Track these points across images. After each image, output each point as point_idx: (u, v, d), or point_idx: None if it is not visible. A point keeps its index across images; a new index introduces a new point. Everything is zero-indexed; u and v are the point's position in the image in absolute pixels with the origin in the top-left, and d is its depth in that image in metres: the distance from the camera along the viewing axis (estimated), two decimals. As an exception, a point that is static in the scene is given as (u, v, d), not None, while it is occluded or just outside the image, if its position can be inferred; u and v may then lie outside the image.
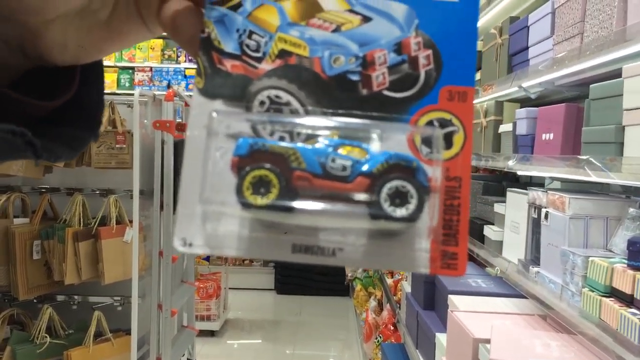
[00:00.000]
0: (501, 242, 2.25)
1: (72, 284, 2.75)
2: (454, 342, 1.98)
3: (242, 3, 0.32)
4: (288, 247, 0.29)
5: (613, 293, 1.42)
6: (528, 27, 1.97)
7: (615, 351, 1.33)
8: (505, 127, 2.24)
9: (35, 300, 2.91)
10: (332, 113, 0.30)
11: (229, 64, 0.31)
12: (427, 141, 0.30)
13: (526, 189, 2.04)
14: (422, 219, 0.29)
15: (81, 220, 2.79)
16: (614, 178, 1.30)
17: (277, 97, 0.30)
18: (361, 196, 0.29)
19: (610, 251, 1.63)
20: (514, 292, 2.16)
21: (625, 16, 1.35)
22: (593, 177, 1.40)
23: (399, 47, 0.30)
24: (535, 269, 1.86)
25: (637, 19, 1.30)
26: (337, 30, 0.31)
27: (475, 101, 2.63)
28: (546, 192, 1.85)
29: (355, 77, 0.30)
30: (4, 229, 2.72)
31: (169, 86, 6.19)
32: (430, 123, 0.30)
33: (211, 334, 5.08)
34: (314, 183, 0.29)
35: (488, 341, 1.69)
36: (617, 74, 1.39)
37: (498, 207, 2.31)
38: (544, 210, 1.82)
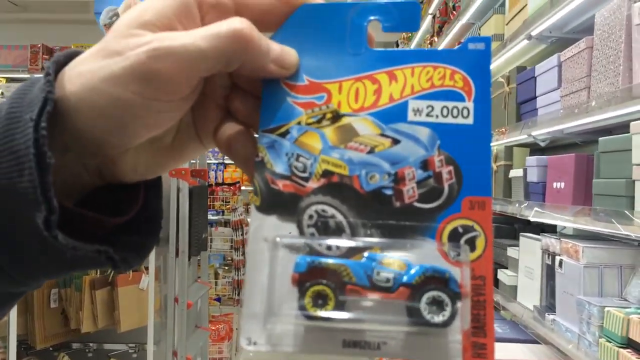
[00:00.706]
0: (515, 287, 2.26)
1: (88, 332, 2.77)
2: (471, 391, 1.97)
3: (289, 130, 0.37)
4: (339, 343, 0.33)
5: (630, 344, 1.43)
6: (535, 78, 2.02)
7: (635, 404, 1.33)
8: (516, 173, 2.28)
9: (51, 349, 2.92)
10: (371, 224, 0.35)
11: (281, 184, 0.36)
12: (455, 248, 0.34)
13: (539, 234, 2.06)
14: (456, 318, 0.33)
15: (98, 267, 2.82)
16: (626, 232, 1.33)
17: (323, 211, 0.35)
18: (403, 303, 0.34)
19: (625, 300, 1.64)
20: (530, 337, 2.16)
21: (631, 74, 1.40)
22: (606, 230, 1.42)
23: (425, 165, 0.35)
24: (551, 316, 1.87)
25: (643, 78, 1.34)
26: (371, 151, 0.36)
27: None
28: (559, 239, 1.87)
29: (389, 192, 0.35)
30: (22, 277, 2.75)
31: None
32: (455, 229, 0.34)
33: (224, 377, 5.03)
34: (363, 294, 0.34)
35: (506, 391, 1.69)
36: (626, 123, 1.43)
37: (511, 252, 2.32)
38: (557, 258, 1.84)
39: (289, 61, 0.37)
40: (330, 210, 0.35)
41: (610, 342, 1.47)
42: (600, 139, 1.56)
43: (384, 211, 0.35)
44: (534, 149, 2.44)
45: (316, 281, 0.34)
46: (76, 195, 0.39)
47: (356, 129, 0.36)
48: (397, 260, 0.34)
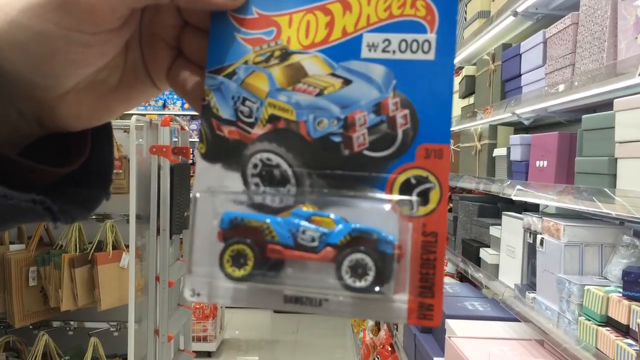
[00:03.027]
0: (497, 266, 2.26)
1: (68, 310, 2.74)
2: (452, 368, 1.98)
3: (236, 71, 0.34)
4: (280, 298, 0.32)
5: (609, 322, 1.43)
6: (520, 55, 2.00)
7: (613, 382, 1.33)
8: (500, 151, 2.26)
9: (31, 327, 2.90)
10: (317, 174, 0.32)
11: (226, 130, 0.34)
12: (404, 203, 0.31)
13: (521, 213, 2.06)
14: (397, 278, 0.30)
15: (77, 245, 2.79)
16: (608, 210, 1.32)
17: (268, 159, 0.33)
18: (328, 266, 0.31)
19: (605, 278, 1.64)
20: (511, 315, 2.17)
21: (616, 50, 1.38)
22: (587, 208, 1.42)
23: (378, 108, 0.32)
24: (532, 294, 1.87)
25: (628, 54, 1.32)
26: (320, 94, 0.33)
27: (470, 124, 2.66)
28: (541, 218, 1.86)
29: (337, 139, 0.32)
30: (0, 255, 2.71)
31: (164, 106, 6.20)
32: (407, 181, 0.31)
33: (208, 355, 5.04)
34: (285, 254, 0.31)
35: (486, 369, 1.70)
36: (610, 102, 1.41)
37: (494, 230, 2.32)
38: (539, 237, 1.84)
39: None
40: (275, 159, 0.33)
41: (590, 320, 1.47)
42: (583, 116, 1.55)
43: (332, 160, 0.32)
44: (518, 127, 2.43)
45: (236, 239, 0.32)
46: (17, 147, 0.36)
47: (305, 69, 0.33)
48: (327, 217, 0.31)
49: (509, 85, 2.16)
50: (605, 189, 1.33)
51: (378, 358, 3.65)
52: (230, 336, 5.64)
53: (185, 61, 0.37)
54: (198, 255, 0.32)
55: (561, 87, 1.61)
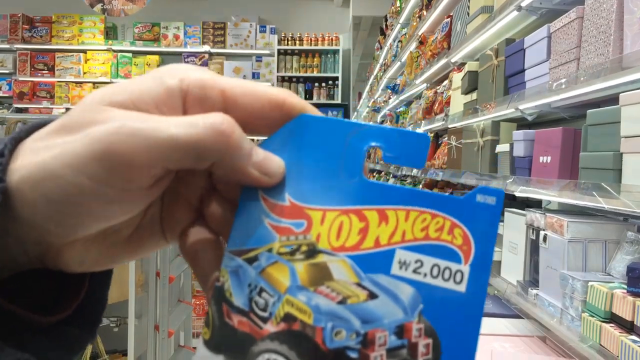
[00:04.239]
0: (499, 262, 2.25)
1: (68, 305, 2.73)
2: (453, 365, 1.98)
3: (258, 257, 0.32)
4: None
5: (613, 319, 1.42)
6: (524, 50, 1.99)
7: (617, 378, 1.32)
8: (502, 147, 2.25)
9: (30, 322, 2.89)
10: None
11: (236, 320, 0.32)
12: None
13: (524, 209, 2.05)
14: None
15: (77, 241, 2.78)
16: (611, 206, 1.31)
17: None
18: None
19: (609, 275, 1.63)
20: (513, 312, 2.16)
21: (622, 44, 1.36)
22: (591, 204, 1.40)
23: (400, 331, 0.30)
24: (534, 291, 1.86)
25: (634, 48, 1.31)
26: (342, 302, 0.31)
27: (472, 120, 2.64)
28: (544, 214, 1.85)
29: (354, 355, 0.30)
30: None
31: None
32: None
33: (208, 351, 5.04)
34: None
35: (488, 365, 1.69)
36: (615, 97, 1.40)
37: (496, 227, 2.31)
38: (542, 233, 1.83)
39: (272, 168, 0.32)
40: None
41: (594, 317, 1.46)
42: (588, 111, 1.53)
43: None
44: (522, 124, 2.42)
45: None
46: (6, 272, 0.34)
47: (331, 272, 0.31)
48: None
49: (512, 80, 2.15)
50: (607, 186, 1.32)
51: (379, 355, 3.64)
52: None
53: (203, 228, 0.35)
54: None
55: (565, 82, 1.60)
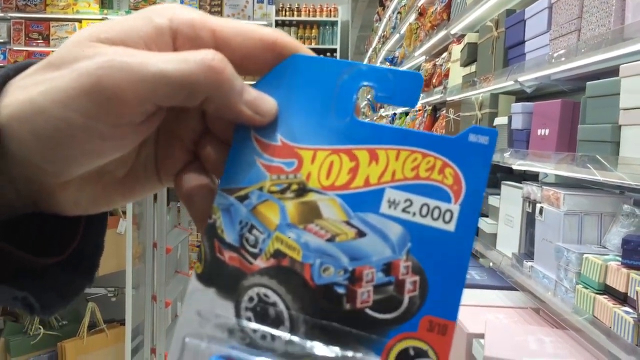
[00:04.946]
0: (495, 235, 2.26)
1: (65, 275, 2.74)
2: (447, 336, 2.00)
3: (249, 195, 0.33)
4: None
5: (607, 290, 1.43)
6: (524, 21, 1.96)
7: (609, 349, 1.34)
8: (500, 120, 2.24)
9: (28, 291, 2.90)
10: (313, 323, 0.31)
11: (227, 255, 0.32)
12: None
13: (520, 182, 2.05)
14: None
15: (74, 211, 2.78)
16: (610, 178, 1.31)
17: (265, 295, 0.31)
18: None
19: (604, 247, 1.64)
20: (507, 284, 2.18)
21: (624, 14, 1.35)
22: (588, 176, 1.40)
23: (388, 268, 0.31)
24: (529, 263, 1.88)
25: (636, 18, 1.29)
26: (331, 239, 0.31)
27: (471, 93, 2.62)
28: (541, 187, 1.85)
29: (341, 290, 0.31)
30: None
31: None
32: (406, 350, 0.30)
33: (205, 321, 5.10)
34: None
35: (482, 336, 1.71)
36: (615, 69, 1.39)
37: (492, 200, 2.31)
38: (538, 206, 1.83)
39: (265, 107, 0.33)
40: (273, 297, 0.31)
41: (587, 289, 1.48)
42: (588, 83, 1.52)
43: (331, 311, 0.30)
44: (520, 97, 2.40)
45: None
46: (1, 215, 0.34)
47: (320, 210, 0.32)
48: None
49: (511, 52, 2.13)
50: (602, 159, 1.32)
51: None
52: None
53: (198, 169, 0.35)
54: None
55: (565, 53, 1.58)
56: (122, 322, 2.85)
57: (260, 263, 0.32)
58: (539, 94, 2.31)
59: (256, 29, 0.33)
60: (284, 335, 0.31)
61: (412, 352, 0.30)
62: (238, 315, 0.31)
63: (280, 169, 0.33)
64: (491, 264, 2.31)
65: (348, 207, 0.32)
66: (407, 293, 0.30)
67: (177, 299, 3.42)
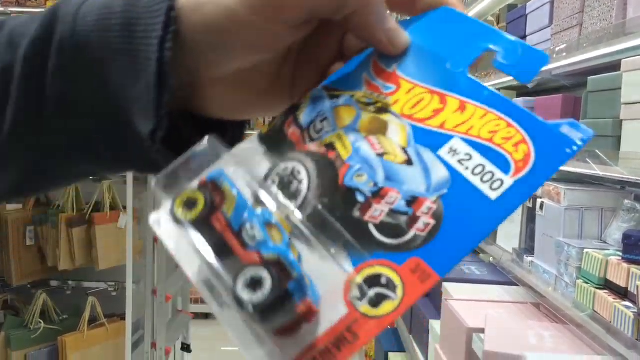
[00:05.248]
0: (495, 230, 2.26)
1: (66, 269, 2.75)
2: (447, 331, 2.00)
3: (339, 97, 0.36)
4: (199, 272, 0.30)
5: (607, 285, 1.43)
6: (526, 16, 1.96)
7: (609, 343, 1.34)
8: (501, 116, 2.24)
9: (29, 286, 2.90)
10: (320, 212, 0.31)
11: (291, 130, 0.35)
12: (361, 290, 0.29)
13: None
14: (284, 325, 0.28)
15: (74, 206, 2.77)
16: (610, 173, 1.31)
17: (298, 172, 0.33)
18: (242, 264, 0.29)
19: (605, 242, 1.64)
20: (508, 279, 2.18)
21: (625, 9, 1.34)
22: (589, 171, 1.40)
23: (413, 201, 0.30)
24: (530, 258, 1.88)
25: (637, 13, 1.29)
26: (380, 155, 0.32)
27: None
28: (541, 182, 1.85)
29: (361, 198, 0.31)
30: (-3, 215, 2.71)
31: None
32: (379, 276, 0.29)
33: (205, 316, 5.10)
34: (222, 231, 0.29)
35: (482, 331, 1.71)
36: (617, 64, 1.38)
37: (493, 195, 2.31)
38: (539, 201, 1.83)
39: (399, 40, 0.36)
40: (303, 176, 0.33)
41: (588, 283, 1.48)
42: (589, 78, 1.52)
43: (341, 211, 0.31)
44: (522, 92, 2.40)
45: (201, 189, 0.30)
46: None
47: (388, 129, 0.33)
48: (280, 234, 0.29)
49: (513, 47, 2.12)
50: (602, 154, 1.32)
51: (374, 321, 3.68)
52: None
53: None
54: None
55: (566, 48, 1.58)
56: (123, 317, 2.85)
57: (312, 147, 0.34)
58: (540, 89, 2.31)
59: None
60: (290, 205, 0.32)
61: (383, 280, 0.29)
62: (267, 176, 0.34)
63: (377, 88, 0.35)
64: (491, 259, 2.31)
65: (412, 137, 0.33)
66: (415, 230, 0.30)
67: (178, 293, 3.43)
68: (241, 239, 0.29)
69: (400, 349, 2.88)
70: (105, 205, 2.79)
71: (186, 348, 3.68)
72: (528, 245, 1.97)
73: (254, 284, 0.27)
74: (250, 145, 0.36)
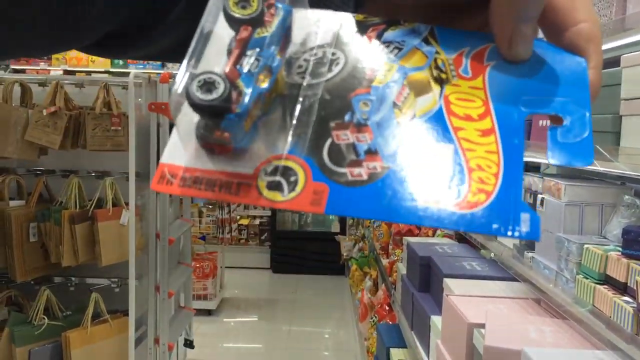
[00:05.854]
0: (496, 226, 2.26)
1: (69, 266, 2.76)
2: (448, 326, 2.01)
3: (430, 44, 0.35)
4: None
5: (607, 281, 1.44)
6: (527, 12, 1.96)
7: (609, 338, 1.35)
8: (502, 112, 2.24)
9: (32, 282, 2.92)
10: (318, 102, 0.33)
11: (370, 33, 0.36)
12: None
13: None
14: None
15: (77, 202, 2.79)
16: (610, 168, 1.31)
17: (337, 63, 0.34)
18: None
19: (605, 238, 1.64)
20: (508, 275, 2.18)
21: (625, 4, 1.34)
22: (589, 167, 1.40)
23: (372, 152, 0.31)
24: (530, 254, 1.88)
25: (637, 9, 1.29)
26: (395, 105, 0.33)
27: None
28: (542, 178, 1.85)
29: (347, 118, 0.32)
30: (0, 211, 2.72)
31: (163, 65, 6.13)
32: (292, 172, 0.31)
33: (208, 313, 5.12)
34: (237, 44, 0.31)
35: (483, 326, 1.72)
36: (616, 60, 1.39)
37: (494, 191, 2.31)
38: (539, 197, 1.83)
39: (518, 50, 0.33)
40: (335, 70, 0.34)
41: (588, 279, 1.48)
42: (589, 74, 1.52)
43: (328, 113, 0.32)
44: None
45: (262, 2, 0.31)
46: None
47: (423, 96, 0.34)
48: (268, 83, 0.31)
49: (513, 43, 2.12)
50: (603, 150, 1.32)
51: (376, 317, 3.70)
52: (230, 295, 5.72)
53: None
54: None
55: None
56: (126, 313, 2.87)
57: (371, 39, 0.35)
58: (541, 85, 2.30)
59: (588, 18, 0.34)
60: (303, 80, 0.33)
61: (292, 178, 0.31)
62: (314, 47, 0.34)
63: (460, 64, 0.34)
64: (492, 255, 2.31)
65: (431, 117, 0.33)
66: (348, 169, 0.31)
67: (180, 289, 3.44)
68: (240, 59, 0.30)
69: (402, 344, 2.89)
70: (107, 201, 2.80)
71: (189, 344, 3.70)
72: (528, 241, 1.97)
73: (209, 85, 0.28)
74: (331, 16, 0.36)
